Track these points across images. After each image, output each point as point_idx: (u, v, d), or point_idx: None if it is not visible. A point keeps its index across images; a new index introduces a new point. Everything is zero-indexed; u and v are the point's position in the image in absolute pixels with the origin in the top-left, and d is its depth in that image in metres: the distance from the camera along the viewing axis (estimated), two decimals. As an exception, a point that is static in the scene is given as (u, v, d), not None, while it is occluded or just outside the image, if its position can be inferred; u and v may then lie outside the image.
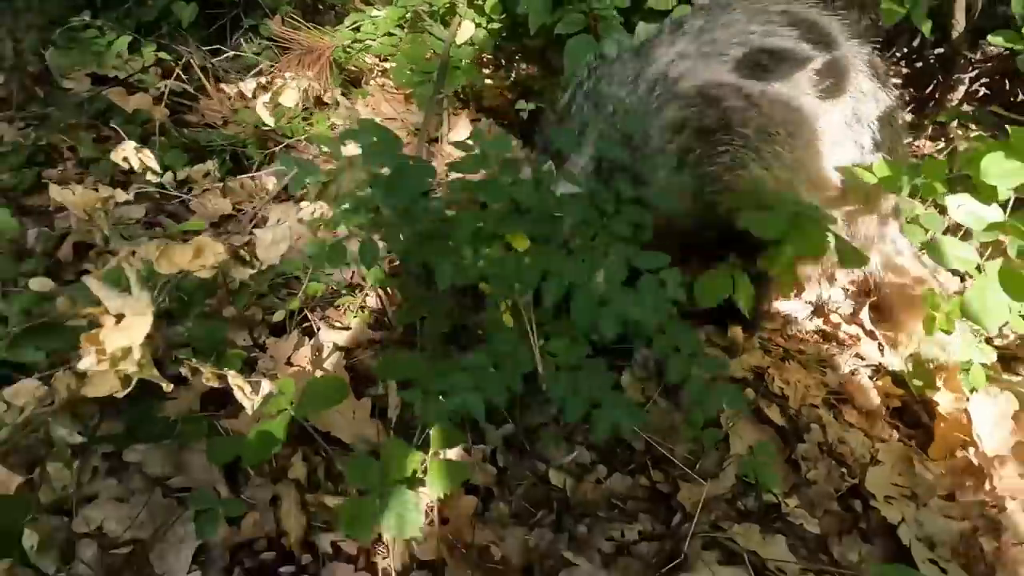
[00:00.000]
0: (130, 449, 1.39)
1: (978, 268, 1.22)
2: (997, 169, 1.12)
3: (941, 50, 2.77)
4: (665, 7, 2.35)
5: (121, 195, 1.29)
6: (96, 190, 1.24)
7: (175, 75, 2.52)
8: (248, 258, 1.18)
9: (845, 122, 1.56)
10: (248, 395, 1.12)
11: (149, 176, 1.26)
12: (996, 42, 2.12)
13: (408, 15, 2.74)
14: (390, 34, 2.76)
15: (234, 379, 1.10)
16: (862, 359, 1.77)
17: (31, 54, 2.86)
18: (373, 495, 1.14)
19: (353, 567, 1.29)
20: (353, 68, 2.86)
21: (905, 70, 2.95)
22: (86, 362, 0.80)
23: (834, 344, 1.83)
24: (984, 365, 1.64)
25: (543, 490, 1.46)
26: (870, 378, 1.71)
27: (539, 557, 1.33)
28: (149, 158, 1.23)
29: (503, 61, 2.76)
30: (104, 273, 0.81)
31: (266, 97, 2.05)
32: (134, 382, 0.87)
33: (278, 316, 1.68)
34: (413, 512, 1.13)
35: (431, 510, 1.38)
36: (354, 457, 1.21)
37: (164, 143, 2.37)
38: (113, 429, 1.40)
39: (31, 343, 1.08)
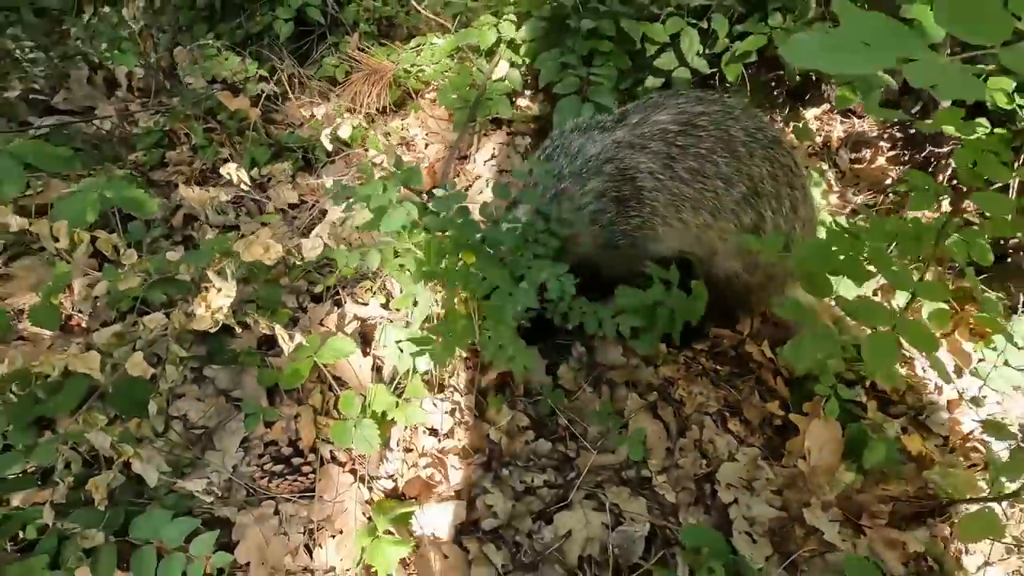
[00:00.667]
0: (207, 367, 2.04)
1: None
2: (815, 256, 1.54)
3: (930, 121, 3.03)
4: (667, 67, 2.78)
5: (223, 196, 1.91)
6: (208, 191, 1.86)
7: (272, 82, 3.17)
8: (296, 255, 1.76)
9: (744, 198, 1.98)
10: (286, 341, 1.71)
11: (242, 185, 1.87)
12: (949, 131, 2.41)
13: (459, 48, 3.26)
14: (440, 62, 3.30)
15: (279, 330, 1.69)
16: (761, 383, 2.20)
17: (164, 50, 3.60)
18: (352, 421, 1.72)
19: (341, 469, 1.89)
20: (411, 86, 3.43)
21: (899, 135, 3.21)
22: (199, 310, 1.39)
23: (745, 367, 2.26)
24: (854, 402, 2.06)
25: (484, 441, 2.00)
26: (762, 398, 2.14)
27: (469, 485, 1.88)
28: (243, 174, 1.83)
29: (531, 96, 3.25)
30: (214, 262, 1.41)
31: (328, 129, 2.64)
32: (219, 324, 1.47)
33: (318, 288, 2.29)
34: (375, 438, 1.70)
35: (400, 441, 1.96)
36: (348, 393, 1.78)
37: (255, 138, 3.03)
38: (199, 353, 2.06)
39: (159, 289, 1.71)
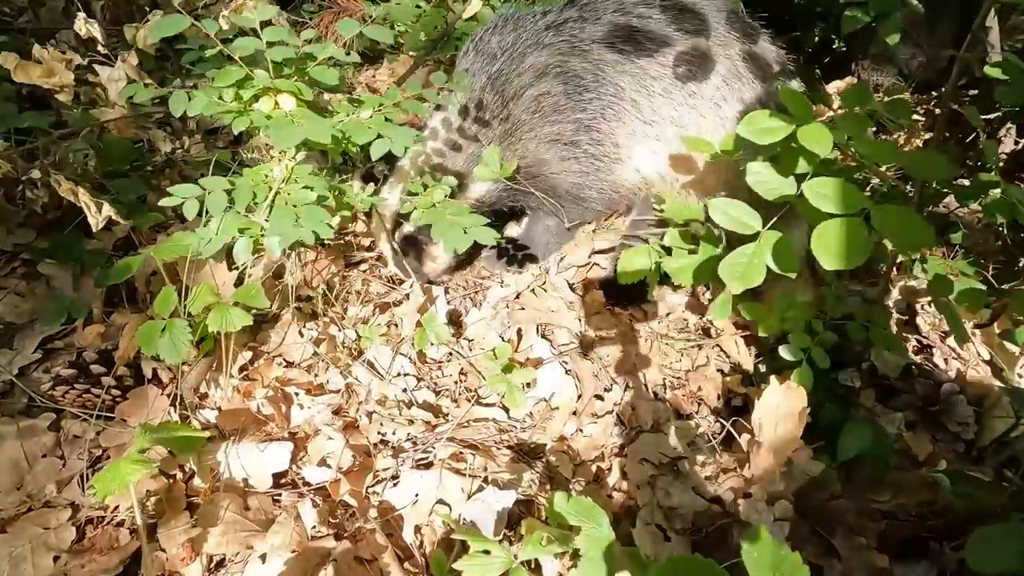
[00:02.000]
0: (43, 263, 1.71)
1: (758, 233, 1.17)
2: (759, 126, 1.09)
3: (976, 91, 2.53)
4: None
5: (77, 59, 1.64)
6: (64, 52, 1.60)
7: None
8: (103, 95, 1.45)
9: (724, 82, 1.55)
10: (94, 213, 1.37)
11: (99, 48, 1.61)
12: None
13: (436, -9, 3.00)
14: (418, 6, 3.03)
15: (83, 196, 1.36)
16: (724, 355, 1.70)
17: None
18: (163, 323, 1.33)
19: (160, 391, 1.50)
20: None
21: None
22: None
23: (706, 335, 1.77)
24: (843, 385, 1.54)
25: (348, 379, 1.58)
26: (720, 371, 1.64)
27: (313, 428, 1.46)
28: (95, 29, 1.56)
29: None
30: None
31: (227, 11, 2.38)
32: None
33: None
34: (184, 344, 1.30)
35: (246, 370, 1.57)
36: (167, 289, 1.41)
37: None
38: (40, 246, 1.75)
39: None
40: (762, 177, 1.18)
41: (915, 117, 2.92)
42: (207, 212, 1.39)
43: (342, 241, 1.87)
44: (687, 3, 1.59)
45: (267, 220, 1.30)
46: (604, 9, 1.60)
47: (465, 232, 1.23)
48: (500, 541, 0.88)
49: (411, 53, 2.99)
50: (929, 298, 1.83)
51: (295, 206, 1.16)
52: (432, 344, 1.60)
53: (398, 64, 3.13)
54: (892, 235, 0.93)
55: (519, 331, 1.68)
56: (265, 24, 1.22)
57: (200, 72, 1.50)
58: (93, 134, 1.65)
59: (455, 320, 1.77)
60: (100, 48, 1.63)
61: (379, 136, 1.21)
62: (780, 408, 1.30)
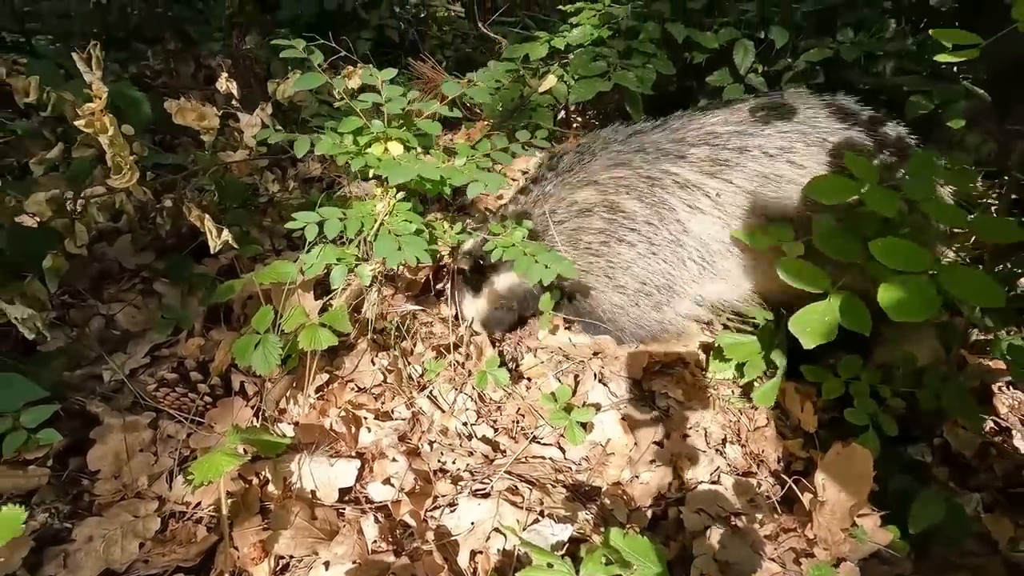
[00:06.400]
0: (158, 282, 1.93)
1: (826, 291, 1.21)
2: (828, 187, 1.15)
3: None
4: (719, 84, 2.56)
5: (215, 121, 1.90)
6: (205, 106, 1.87)
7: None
8: (238, 138, 1.68)
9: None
10: (214, 237, 1.56)
11: (233, 103, 1.89)
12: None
13: (516, 68, 3.29)
14: (497, 80, 3.33)
15: (208, 222, 1.55)
16: (785, 415, 1.69)
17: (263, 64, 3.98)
18: (258, 337, 1.48)
19: (245, 403, 1.63)
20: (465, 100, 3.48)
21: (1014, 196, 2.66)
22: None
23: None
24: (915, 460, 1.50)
25: (413, 408, 1.67)
26: (781, 434, 1.62)
27: (378, 449, 1.54)
28: (233, 86, 1.84)
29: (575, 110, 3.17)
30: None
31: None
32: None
33: (297, 234, 2.17)
34: (275, 356, 1.44)
35: (321, 391, 1.68)
36: (265, 308, 1.56)
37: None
38: (156, 267, 1.98)
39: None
40: (831, 238, 1.23)
41: (988, 202, 2.90)
42: (308, 243, 1.58)
43: (419, 280, 2.02)
44: (793, 125, 1.58)
45: (364, 250, 1.46)
46: (692, 142, 1.63)
47: (547, 268, 1.32)
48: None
49: (486, 122, 3.25)
50: (1007, 379, 1.77)
51: (397, 235, 1.30)
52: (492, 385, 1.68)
53: (474, 130, 3.40)
54: (960, 293, 0.96)
55: (576, 376, 1.74)
56: (387, 82, 1.42)
57: (316, 125, 1.73)
58: (218, 173, 1.90)
59: (513, 363, 1.84)
60: (234, 102, 1.91)
61: (474, 180, 1.36)
62: (845, 469, 1.29)
